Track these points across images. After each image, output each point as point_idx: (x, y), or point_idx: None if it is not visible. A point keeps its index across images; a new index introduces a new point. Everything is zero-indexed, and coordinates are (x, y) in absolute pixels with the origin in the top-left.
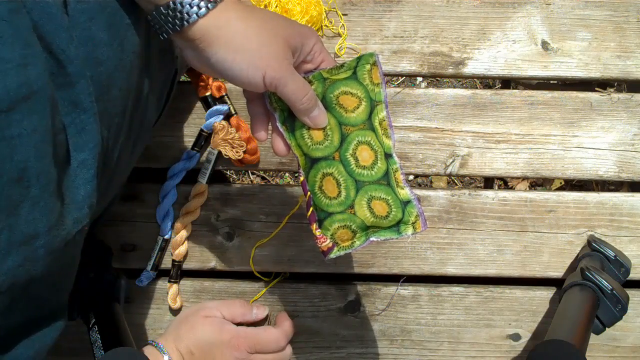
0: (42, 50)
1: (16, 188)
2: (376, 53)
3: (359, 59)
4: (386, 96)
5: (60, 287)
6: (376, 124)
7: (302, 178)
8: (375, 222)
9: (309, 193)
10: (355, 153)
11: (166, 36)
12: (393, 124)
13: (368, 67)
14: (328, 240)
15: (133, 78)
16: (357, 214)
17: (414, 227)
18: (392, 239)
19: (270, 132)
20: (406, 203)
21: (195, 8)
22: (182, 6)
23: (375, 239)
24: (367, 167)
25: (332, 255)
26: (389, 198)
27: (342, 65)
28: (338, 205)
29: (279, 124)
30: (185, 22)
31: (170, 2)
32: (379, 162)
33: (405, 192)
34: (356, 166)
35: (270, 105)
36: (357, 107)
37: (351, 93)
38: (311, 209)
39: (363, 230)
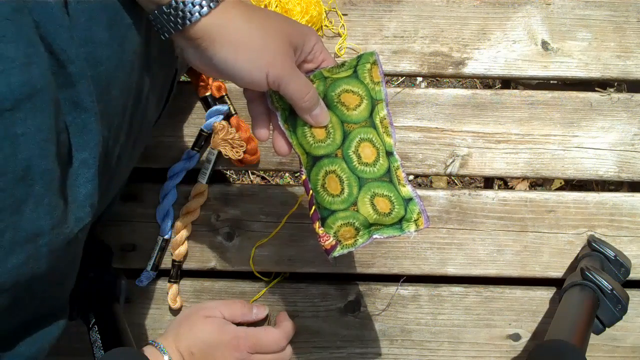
0: (44, 49)
1: (20, 186)
2: (376, 52)
3: (359, 57)
4: (386, 94)
5: (62, 286)
6: (377, 122)
7: (304, 177)
8: (378, 220)
9: (311, 192)
10: (357, 150)
11: (167, 36)
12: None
13: (368, 66)
14: (331, 239)
15: (133, 78)
16: (360, 211)
17: (416, 225)
18: (395, 236)
19: (271, 131)
20: (408, 200)
21: (197, 7)
22: (185, 5)
23: (378, 237)
24: (370, 164)
25: (336, 254)
26: (392, 195)
27: (342, 64)
28: (341, 203)
29: (280, 123)
30: (187, 21)
31: (173, 1)
32: (380, 159)
33: (407, 190)
34: (359, 163)
35: (271, 105)
36: (359, 105)
37: (352, 91)
38: (313, 207)
39: (366, 227)
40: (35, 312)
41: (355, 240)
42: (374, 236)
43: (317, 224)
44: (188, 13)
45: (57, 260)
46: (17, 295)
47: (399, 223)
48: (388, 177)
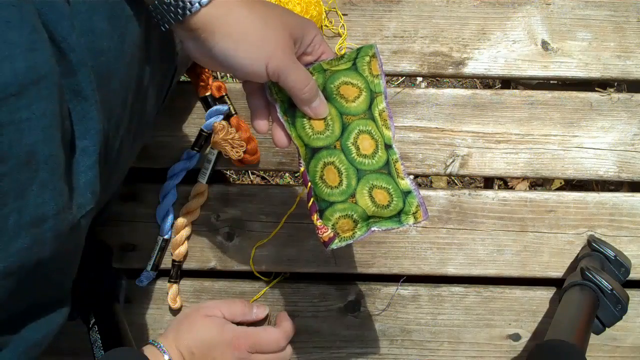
0: (47, 36)
1: (24, 171)
2: (375, 45)
3: (358, 50)
4: (385, 87)
5: (65, 273)
6: (376, 114)
7: (302, 169)
8: (377, 212)
9: (309, 184)
10: (356, 142)
11: (168, 27)
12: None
13: (367, 59)
14: (329, 231)
15: (133, 70)
16: (359, 203)
17: (415, 217)
18: (394, 228)
19: (270, 123)
20: (407, 193)
21: None
22: None
23: (376, 229)
24: (368, 155)
25: (333, 246)
26: (390, 187)
27: (342, 57)
28: (339, 195)
29: (280, 115)
30: (187, 12)
31: None
32: (379, 151)
33: (405, 183)
34: (357, 155)
35: (270, 96)
36: (358, 97)
37: (351, 83)
38: (312, 199)
39: (364, 220)
40: (40, 297)
41: (354, 233)
42: (373, 229)
43: (315, 216)
44: (188, 3)
45: (61, 245)
46: (22, 279)
47: (398, 215)
48: (387, 169)
